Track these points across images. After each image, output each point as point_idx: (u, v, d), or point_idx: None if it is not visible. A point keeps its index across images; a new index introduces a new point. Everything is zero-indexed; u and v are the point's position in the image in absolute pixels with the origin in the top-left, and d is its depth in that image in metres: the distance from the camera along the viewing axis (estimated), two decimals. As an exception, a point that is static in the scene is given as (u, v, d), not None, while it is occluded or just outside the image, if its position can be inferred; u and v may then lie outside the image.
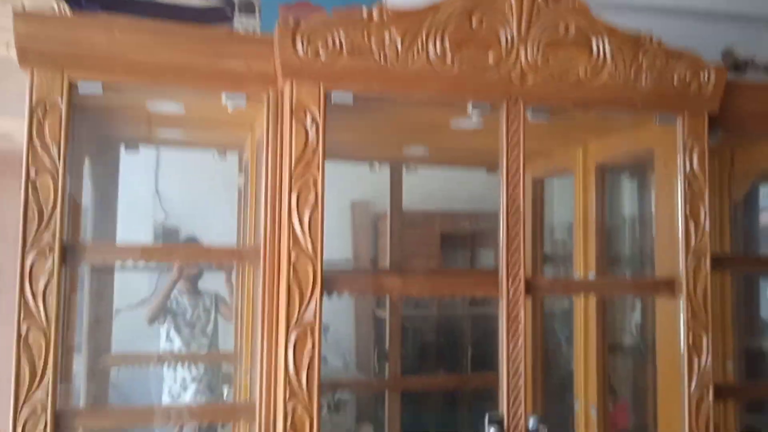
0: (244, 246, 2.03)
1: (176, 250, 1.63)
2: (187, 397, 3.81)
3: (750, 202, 2.63)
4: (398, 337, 2.73)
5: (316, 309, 1.52)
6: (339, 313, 4.76)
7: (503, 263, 1.65)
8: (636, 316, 3.89)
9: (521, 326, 1.63)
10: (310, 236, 1.54)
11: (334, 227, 1.58)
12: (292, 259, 1.53)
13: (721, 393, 1.79)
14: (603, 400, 2.15)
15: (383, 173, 2.94)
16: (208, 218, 3.87)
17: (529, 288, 1.66)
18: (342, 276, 1.62)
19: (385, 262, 2.88)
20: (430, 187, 4.75)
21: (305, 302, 1.52)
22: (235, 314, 3.14)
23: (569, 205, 3.13)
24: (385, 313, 3.16)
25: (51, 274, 1.47)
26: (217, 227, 3.14)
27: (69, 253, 1.51)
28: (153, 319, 3.90)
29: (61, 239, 1.48)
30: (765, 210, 2.85)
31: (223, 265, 3.96)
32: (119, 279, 2.94)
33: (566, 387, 2.93)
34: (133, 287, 4.46)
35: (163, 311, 3.90)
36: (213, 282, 4.05)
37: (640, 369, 3.51)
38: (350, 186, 4.71)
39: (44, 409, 1.44)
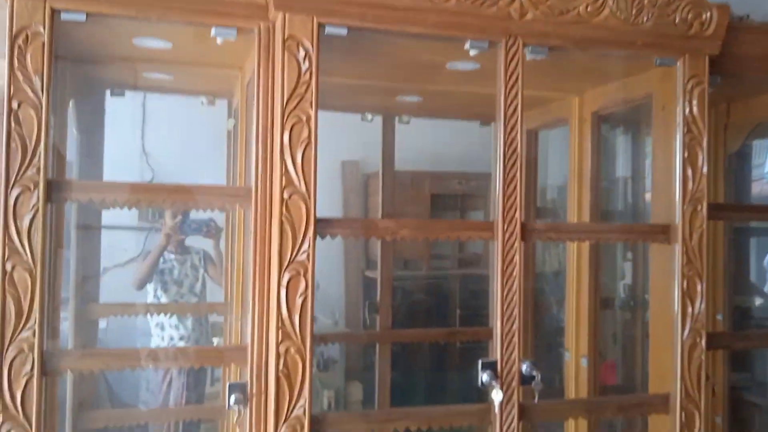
0: (236, 186, 1.99)
1: (165, 190, 1.58)
2: (176, 353, 3.79)
3: (743, 156, 2.63)
4: (389, 289, 2.72)
5: (309, 249, 1.50)
6: (329, 273, 4.75)
7: (499, 206, 1.62)
8: (626, 280, 3.92)
9: (516, 270, 1.61)
10: (303, 174, 1.50)
11: (324, 188, 1.55)
12: (285, 198, 1.49)
13: (712, 342, 1.79)
14: (594, 352, 2.16)
15: (375, 128, 2.89)
16: (197, 171, 3.80)
17: (525, 232, 1.63)
18: (335, 219, 1.59)
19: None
20: (421, 147, 4.72)
21: (298, 242, 1.49)
22: (224, 270, 3.11)
23: (561, 166, 3.10)
24: (375, 274, 3.15)
25: (36, 211, 1.42)
26: (207, 181, 3.08)
27: (54, 190, 1.46)
28: (141, 286, 3.85)
29: (45, 175, 1.43)
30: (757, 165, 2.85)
31: (211, 230, 3.92)
32: (107, 238, 2.90)
33: (555, 344, 2.94)
34: (121, 247, 4.42)
35: (150, 278, 3.85)
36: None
37: (629, 329, 3.54)
38: (340, 145, 4.68)
39: (31, 349, 1.41)
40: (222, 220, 3.34)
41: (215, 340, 3.93)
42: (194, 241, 4.01)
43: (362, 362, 4.53)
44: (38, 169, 1.43)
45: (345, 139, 4.50)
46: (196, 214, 4.05)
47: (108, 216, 2.98)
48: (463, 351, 4.62)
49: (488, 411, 1.58)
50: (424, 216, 5.06)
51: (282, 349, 1.46)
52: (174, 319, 3.79)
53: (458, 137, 4.53)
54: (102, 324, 3.92)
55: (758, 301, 3.96)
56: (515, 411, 1.56)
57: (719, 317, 2.46)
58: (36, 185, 1.42)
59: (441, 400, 4.49)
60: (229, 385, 1.52)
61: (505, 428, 1.56)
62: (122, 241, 4.55)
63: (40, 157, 1.42)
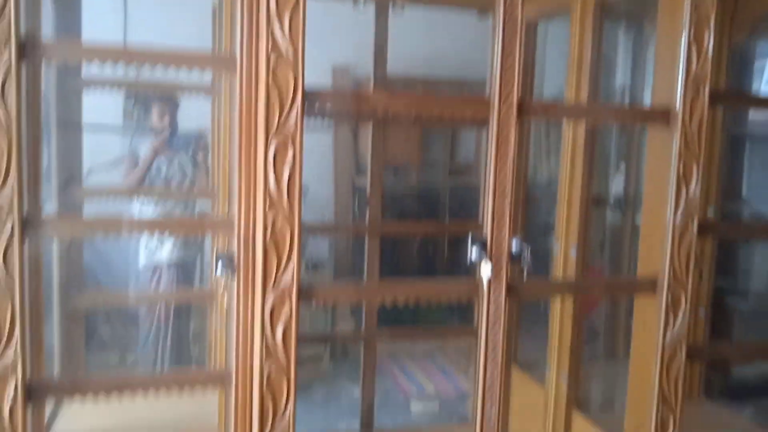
0: (220, 53, 1.91)
1: (146, 54, 1.50)
2: (164, 252, 3.79)
3: (747, 51, 2.55)
4: (378, 186, 2.69)
5: (297, 118, 1.44)
6: (318, 179, 4.71)
7: (496, 82, 1.56)
8: (617, 190, 3.93)
9: (511, 148, 1.57)
10: (291, 40, 1.42)
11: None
12: (271, 65, 1.42)
13: (703, 229, 1.78)
14: (583, 242, 2.15)
15: (367, 25, 2.77)
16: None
17: (521, 109, 1.58)
18: (324, 91, 1.53)
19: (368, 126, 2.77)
20: (415, 48, 4.59)
21: (285, 110, 1.43)
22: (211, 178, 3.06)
23: (557, 78, 3.01)
24: (365, 181, 3.11)
25: (9, 70, 1.35)
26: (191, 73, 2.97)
27: (28, 48, 1.38)
28: (131, 193, 3.79)
29: (17, 31, 1.35)
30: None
31: (200, 145, 3.84)
32: (89, 141, 2.82)
33: (545, 242, 2.95)
34: (104, 149, 4.32)
35: (141, 184, 3.79)
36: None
37: (617, 234, 3.57)
38: (331, 48, 4.54)
39: (10, 212, 1.37)
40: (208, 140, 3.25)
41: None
42: (183, 144, 3.94)
43: (350, 264, 4.56)
44: (9, 24, 1.34)
45: (335, 40, 4.37)
46: (184, 129, 3.98)
47: (90, 113, 2.90)
48: (451, 249, 4.66)
49: (476, 287, 1.58)
50: (416, 126, 4.99)
51: (269, 217, 1.43)
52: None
53: (453, 34, 4.40)
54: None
55: (747, 214, 3.98)
56: (503, 287, 1.56)
57: (711, 210, 2.45)
58: (8, 42, 1.34)
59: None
60: (217, 255, 1.50)
61: (492, 305, 1.56)
62: (106, 143, 4.45)
63: (9, 11, 1.34)
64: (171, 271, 3.74)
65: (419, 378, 4.23)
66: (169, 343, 3.58)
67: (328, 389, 4.13)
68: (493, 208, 1.54)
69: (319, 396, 4.04)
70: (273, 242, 1.44)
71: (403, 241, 4.63)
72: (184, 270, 3.79)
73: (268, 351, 1.45)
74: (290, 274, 1.44)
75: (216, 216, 2.04)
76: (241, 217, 1.47)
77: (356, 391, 3.65)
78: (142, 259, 3.85)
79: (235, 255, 1.47)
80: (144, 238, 3.88)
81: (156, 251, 3.81)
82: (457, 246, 4.45)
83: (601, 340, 3.63)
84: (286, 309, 1.45)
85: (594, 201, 2.68)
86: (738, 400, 2.76)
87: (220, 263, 1.46)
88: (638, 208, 3.38)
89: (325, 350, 4.30)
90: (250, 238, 1.46)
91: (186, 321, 3.70)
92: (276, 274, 1.45)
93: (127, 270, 4.07)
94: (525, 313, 2.74)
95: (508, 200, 1.55)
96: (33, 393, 1.42)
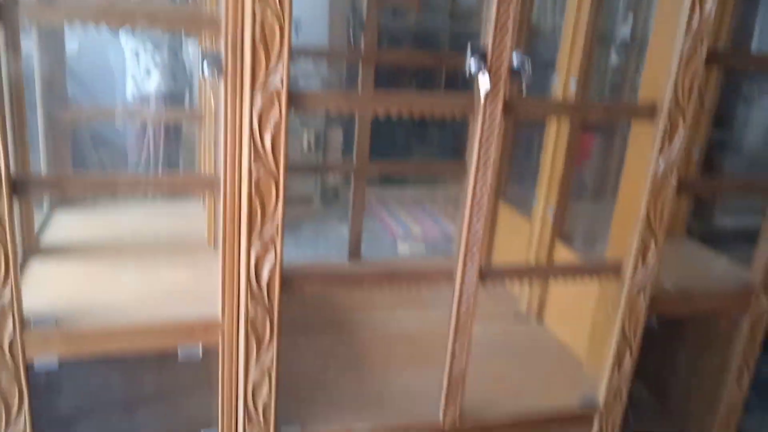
0: None
1: None
2: (152, 83, 3.69)
3: None
4: (375, 13, 2.55)
5: None
6: (312, 16, 4.49)
7: None
8: (625, 32, 3.79)
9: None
10: None
11: None
12: None
13: (710, 58, 1.71)
14: (585, 73, 2.08)
15: None
16: None
17: None
18: None
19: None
20: None
21: None
22: None
23: None
24: (361, 16, 2.94)
25: None
26: None
27: None
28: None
29: None
30: None
31: None
32: None
33: (543, 80, 2.87)
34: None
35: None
36: None
37: (618, 77, 3.49)
38: None
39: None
40: None
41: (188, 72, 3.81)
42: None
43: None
44: None
45: None
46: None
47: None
48: (449, 83, 4.57)
49: (472, 102, 1.53)
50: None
51: (258, 12, 1.34)
52: (150, 45, 3.62)
53: None
54: (73, 45, 3.75)
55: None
56: (500, 102, 1.51)
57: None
58: None
59: (424, 139, 4.55)
60: (202, 56, 1.43)
61: (487, 119, 1.52)
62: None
63: None
64: (159, 103, 3.67)
65: (407, 221, 4.31)
66: (159, 171, 3.58)
67: (318, 228, 4.20)
68: (496, 13, 1.45)
69: (308, 234, 4.12)
70: (262, 40, 1.36)
71: (399, 80, 4.51)
72: (173, 102, 3.72)
73: (256, 154, 1.42)
74: (279, 76, 1.38)
75: (203, 14, 1.93)
76: (229, 12, 1.39)
77: (345, 231, 3.73)
78: (130, 91, 3.76)
79: (222, 54, 1.40)
80: (131, 70, 3.76)
81: (143, 82, 3.71)
82: (454, 84, 4.33)
83: (590, 189, 3.67)
84: (275, 113, 1.40)
85: (599, 41, 2.58)
86: (717, 247, 2.83)
87: (206, 63, 1.40)
88: (642, 56, 3.27)
89: (316, 191, 4.33)
90: (237, 35, 1.39)
91: (175, 149, 3.68)
92: (265, 75, 1.38)
93: (115, 104, 3.99)
94: (516, 155, 2.73)
95: (513, 5, 1.45)
96: (19, 187, 1.41)
